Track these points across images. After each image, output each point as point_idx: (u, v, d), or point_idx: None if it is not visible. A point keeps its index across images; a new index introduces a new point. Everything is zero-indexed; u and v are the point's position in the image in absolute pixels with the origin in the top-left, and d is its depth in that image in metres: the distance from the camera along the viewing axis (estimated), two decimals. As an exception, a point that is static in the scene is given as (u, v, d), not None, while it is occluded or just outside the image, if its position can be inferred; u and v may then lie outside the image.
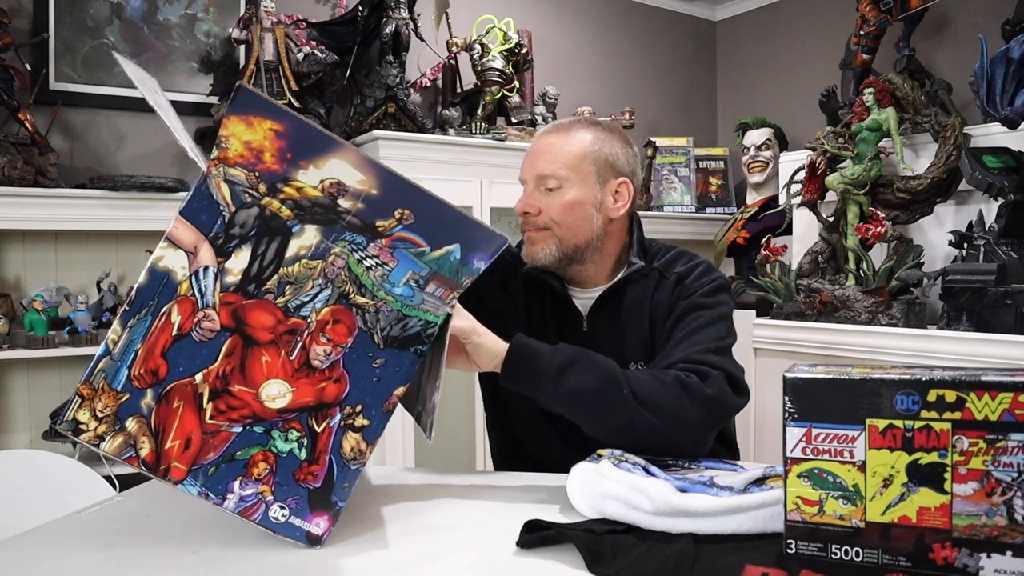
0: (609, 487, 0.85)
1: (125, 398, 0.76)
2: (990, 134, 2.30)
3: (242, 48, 2.58)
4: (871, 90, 2.43)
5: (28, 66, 2.24)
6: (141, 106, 2.46)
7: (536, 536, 0.81)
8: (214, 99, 2.53)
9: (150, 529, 0.88)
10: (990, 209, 2.20)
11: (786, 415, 0.73)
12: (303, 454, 0.79)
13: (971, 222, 2.19)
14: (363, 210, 0.78)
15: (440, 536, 0.86)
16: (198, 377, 0.77)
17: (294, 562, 0.79)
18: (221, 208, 0.76)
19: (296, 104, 2.51)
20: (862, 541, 0.71)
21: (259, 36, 2.46)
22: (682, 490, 0.83)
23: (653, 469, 0.89)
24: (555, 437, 1.21)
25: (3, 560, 0.78)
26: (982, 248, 2.07)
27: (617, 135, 1.25)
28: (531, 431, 1.25)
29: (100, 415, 0.76)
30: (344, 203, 0.77)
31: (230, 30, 2.55)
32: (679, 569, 0.73)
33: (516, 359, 1.03)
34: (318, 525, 0.80)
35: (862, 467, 0.70)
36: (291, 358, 0.78)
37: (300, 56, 2.55)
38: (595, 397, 1.02)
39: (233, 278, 0.77)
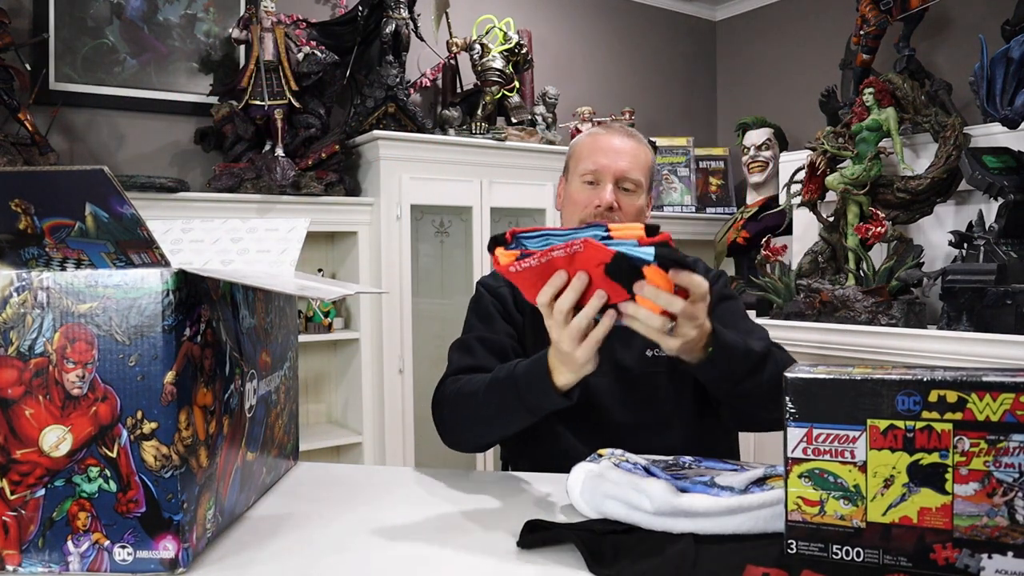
0: (609, 487, 0.85)
1: None
2: (990, 134, 2.30)
3: (242, 48, 2.58)
4: (871, 90, 2.43)
5: (28, 66, 2.24)
6: (141, 106, 2.47)
7: (536, 536, 0.81)
8: (214, 99, 2.53)
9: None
10: (990, 209, 2.19)
11: (787, 415, 0.73)
12: (112, 486, 0.74)
13: (971, 222, 2.19)
14: None
15: (440, 536, 0.86)
16: None
17: (292, 563, 0.79)
18: None
19: (296, 104, 2.51)
20: (863, 541, 0.71)
21: (259, 36, 2.46)
22: (683, 490, 0.83)
23: (654, 469, 0.89)
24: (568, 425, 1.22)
25: None
26: (982, 248, 2.07)
27: None
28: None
29: None
30: None
31: (230, 30, 2.55)
32: (680, 569, 0.73)
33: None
34: (167, 548, 0.75)
35: (863, 467, 0.70)
36: (51, 399, 0.74)
37: (300, 56, 2.55)
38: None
39: None
